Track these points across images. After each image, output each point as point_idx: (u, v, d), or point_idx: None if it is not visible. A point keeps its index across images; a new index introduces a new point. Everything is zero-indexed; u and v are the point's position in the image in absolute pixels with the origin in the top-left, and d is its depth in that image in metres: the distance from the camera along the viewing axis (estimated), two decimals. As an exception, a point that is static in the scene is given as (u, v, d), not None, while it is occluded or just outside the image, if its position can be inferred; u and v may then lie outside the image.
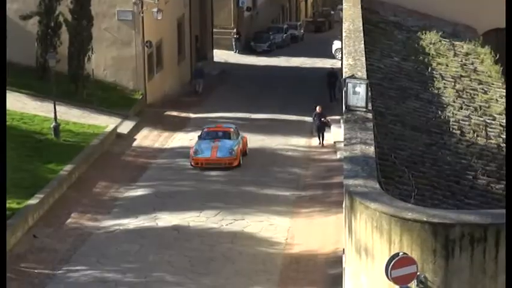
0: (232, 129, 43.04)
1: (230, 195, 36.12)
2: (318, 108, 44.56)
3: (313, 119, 44.80)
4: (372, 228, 17.13)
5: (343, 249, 22.06)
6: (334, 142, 43.55)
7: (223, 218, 33.65)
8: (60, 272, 28.94)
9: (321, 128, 44.12)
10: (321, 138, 44.13)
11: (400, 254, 16.61)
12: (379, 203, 17.30)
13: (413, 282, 16.58)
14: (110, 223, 33.29)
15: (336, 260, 28.49)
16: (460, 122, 26.20)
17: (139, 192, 37.04)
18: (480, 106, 27.66)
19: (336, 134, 44.08)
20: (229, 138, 42.15)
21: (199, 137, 42.71)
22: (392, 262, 16.55)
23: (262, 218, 33.63)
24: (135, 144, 45.10)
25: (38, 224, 32.93)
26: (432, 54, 32.01)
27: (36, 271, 29.01)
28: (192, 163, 40.58)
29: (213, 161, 40.48)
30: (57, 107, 41.73)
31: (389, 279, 16.59)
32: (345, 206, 19.97)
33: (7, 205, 32.88)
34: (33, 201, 33.78)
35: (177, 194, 36.38)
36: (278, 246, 31.11)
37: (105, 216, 34.11)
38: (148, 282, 27.84)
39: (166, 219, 33.39)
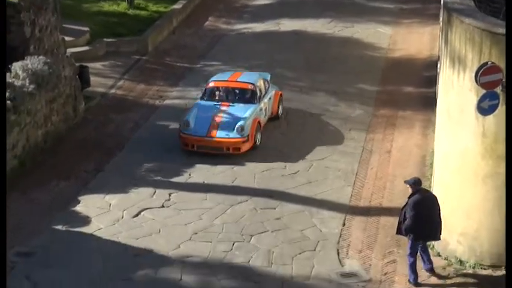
0: (254, 86, 23.59)
1: (342, 6, 35.31)
2: None
3: None
4: (466, 40, 16.55)
5: (439, 56, 21.51)
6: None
7: (336, 25, 33.06)
8: (198, 65, 29.06)
9: None
10: None
11: (489, 63, 16.08)
12: (472, 18, 16.65)
13: (498, 87, 16.12)
14: (240, 26, 33.07)
15: (430, 64, 27.99)
16: None
17: (265, 1, 36.52)
18: None
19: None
20: (248, 101, 23.27)
21: (201, 96, 23.92)
22: (482, 70, 16.07)
23: (369, 26, 32.92)
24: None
25: (180, 25, 32.97)
26: None
27: (178, 64, 29.21)
28: (181, 143, 22.48)
29: (208, 142, 22.07)
30: None
31: (478, 84, 16.16)
32: (442, 20, 19.31)
33: (155, 8, 33.09)
34: (177, 5, 33.80)
35: (298, 4, 35.67)
36: (381, 51, 30.53)
37: (237, 20, 33.86)
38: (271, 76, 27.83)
39: (287, 25, 32.93)
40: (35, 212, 19.45)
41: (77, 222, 18.98)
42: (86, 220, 19.12)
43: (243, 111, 22.85)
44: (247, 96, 23.47)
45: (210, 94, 23.67)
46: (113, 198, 20.06)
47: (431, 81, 25.86)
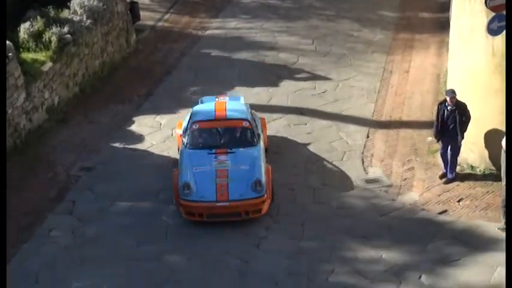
0: (249, 123, 16.44)
1: None
2: None
3: None
4: (476, -33, 16.10)
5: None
6: None
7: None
8: (235, -1, 28.73)
9: None
10: None
11: (497, -11, 15.64)
12: None
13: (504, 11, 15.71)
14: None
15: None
16: None
17: None
18: None
19: None
20: (248, 143, 16.03)
21: (186, 144, 16.23)
22: (491, -6, 15.71)
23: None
24: None
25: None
26: None
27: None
28: (182, 212, 15.15)
29: (221, 209, 14.87)
30: None
31: (487, 7, 15.76)
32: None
33: None
34: None
35: None
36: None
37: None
38: (301, 7, 27.39)
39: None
40: (95, 132, 19.53)
41: (132, 140, 19.04)
42: (140, 138, 19.16)
43: (249, 159, 15.52)
44: (245, 136, 16.22)
45: (196, 140, 16.23)
46: (163, 118, 20.04)
47: (446, 7, 25.29)
